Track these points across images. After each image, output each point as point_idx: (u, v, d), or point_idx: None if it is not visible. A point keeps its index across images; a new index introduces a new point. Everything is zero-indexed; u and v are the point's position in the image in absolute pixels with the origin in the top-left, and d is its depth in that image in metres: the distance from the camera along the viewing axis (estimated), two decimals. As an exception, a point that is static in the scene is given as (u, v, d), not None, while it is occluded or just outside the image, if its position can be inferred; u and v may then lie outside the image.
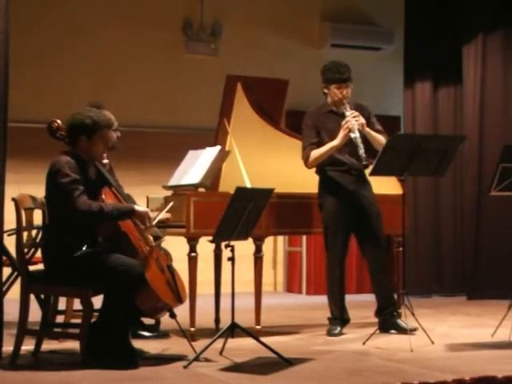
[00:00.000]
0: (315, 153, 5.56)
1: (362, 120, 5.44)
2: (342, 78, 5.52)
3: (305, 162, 5.61)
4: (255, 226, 4.76)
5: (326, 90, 5.63)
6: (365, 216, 5.59)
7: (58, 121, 4.66)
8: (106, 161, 5.06)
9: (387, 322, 5.62)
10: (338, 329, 5.54)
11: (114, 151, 5.26)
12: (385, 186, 5.80)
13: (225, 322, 5.23)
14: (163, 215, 4.77)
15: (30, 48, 8.03)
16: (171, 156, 6.44)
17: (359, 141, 5.35)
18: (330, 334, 5.53)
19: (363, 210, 5.58)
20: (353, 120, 5.42)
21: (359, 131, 5.39)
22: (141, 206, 4.65)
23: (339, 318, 5.61)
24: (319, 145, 5.58)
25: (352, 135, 5.39)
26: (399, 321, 5.58)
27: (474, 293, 7.96)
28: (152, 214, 4.59)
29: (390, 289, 5.69)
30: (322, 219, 5.62)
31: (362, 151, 5.32)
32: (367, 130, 5.47)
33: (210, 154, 5.56)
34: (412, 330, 5.31)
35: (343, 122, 5.45)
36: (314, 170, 5.77)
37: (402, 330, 5.40)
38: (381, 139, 5.48)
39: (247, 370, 4.32)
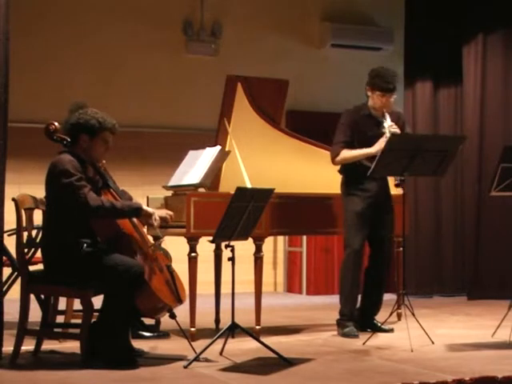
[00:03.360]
0: (347, 153, 5.51)
1: (398, 132, 5.41)
2: (388, 87, 5.47)
3: (332, 159, 5.58)
4: (255, 226, 4.76)
5: (369, 93, 5.57)
6: (381, 222, 5.61)
7: (56, 123, 4.65)
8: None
9: (367, 321, 5.67)
10: (354, 329, 5.48)
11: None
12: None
13: (225, 322, 5.22)
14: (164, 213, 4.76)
15: (29, 48, 8.03)
16: (171, 156, 6.44)
17: None
18: (346, 335, 5.45)
19: (381, 214, 5.60)
20: (391, 131, 5.38)
21: None
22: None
23: (352, 319, 5.56)
24: (350, 145, 5.53)
25: None
26: (376, 321, 5.67)
27: (474, 293, 7.96)
28: (157, 214, 4.58)
29: (382, 295, 5.79)
30: (344, 217, 5.58)
31: None
32: None
33: (210, 154, 5.57)
34: (389, 331, 5.54)
35: (385, 134, 5.38)
36: (313, 170, 5.78)
37: (379, 329, 5.48)
38: None
39: (247, 370, 4.32)
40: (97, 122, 4.50)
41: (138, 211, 4.48)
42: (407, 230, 5.48)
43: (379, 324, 5.60)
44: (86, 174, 4.51)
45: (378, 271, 5.71)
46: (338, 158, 5.56)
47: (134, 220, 4.62)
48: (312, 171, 5.89)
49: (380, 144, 5.38)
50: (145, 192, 5.95)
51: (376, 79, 5.51)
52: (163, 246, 4.95)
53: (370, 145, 5.45)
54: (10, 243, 4.85)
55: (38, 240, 5.20)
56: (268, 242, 6.04)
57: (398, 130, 5.42)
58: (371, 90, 5.55)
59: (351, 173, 5.61)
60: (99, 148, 4.55)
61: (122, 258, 4.35)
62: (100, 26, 8.42)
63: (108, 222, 4.48)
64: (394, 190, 5.75)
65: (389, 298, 7.15)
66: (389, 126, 5.42)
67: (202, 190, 5.51)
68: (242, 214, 4.48)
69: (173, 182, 5.66)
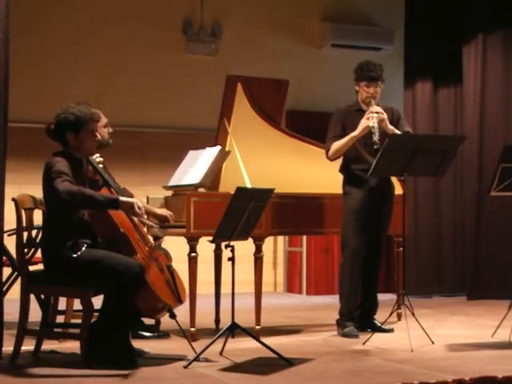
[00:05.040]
0: (336, 144, 5.55)
1: (384, 116, 5.43)
2: (371, 76, 5.52)
3: (326, 154, 5.62)
4: (255, 226, 4.76)
5: (356, 88, 5.62)
6: (378, 222, 5.61)
7: None
8: (100, 159, 4.99)
9: (367, 321, 5.67)
10: (354, 329, 5.48)
11: (108, 148, 5.24)
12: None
13: (225, 322, 5.22)
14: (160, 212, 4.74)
15: (29, 48, 8.03)
16: (171, 156, 6.43)
17: (376, 130, 5.33)
18: (346, 335, 5.44)
19: (379, 214, 5.59)
20: (374, 113, 5.41)
21: (379, 127, 5.38)
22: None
23: (352, 319, 5.55)
24: (341, 139, 5.54)
25: (370, 124, 5.37)
26: (376, 321, 5.67)
27: (474, 293, 7.96)
28: (141, 204, 4.48)
29: (376, 292, 5.80)
30: (343, 216, 5.58)
31: (375, 138, 5.29)
32: (390, 127, 5.44)
33: (210, 153, 5.57)
34: (389, 331, 5.56)
35: (366, 114, 5.45)
36: (313, 170, 5.77)
37: (379, 329, 5.49)
38: None
39: (247, 370, 4.32)
40: (75, 116, 4.48)
41: (115, 202, 4.34)
42: (407, 230, 5.48)
43: (379, 324, 5.60)
44: (82, 174, 4.51)
45: (372, 271, 5.72)
46: (330, 151, 5.59)
47: (134, 219, 4.62)
48: (312, 171, 5.89)
49: (362, 125, 5.43)
50: (145, 192, 5.94)
51: (359, 71, 5.58)
52: (163, 245, 4.96)
53: (363, 137, 5.46)
54: (10, 243, 4.85)
55: (38, 240, 5.20)
56: (268, 242, 6.05)
57: (384, 115, 5.42)
58: (357, 83, 5.61)
59: (351, 172, 5.61)
60: (88, 141, 4.52)
61: (123, 258, 4.35)
62: (100, 26, 8.42)
63: (108, 222, 4.48)
64: (399, 190, 5.75)
65: (389, 297, 7.17)
66: (373, 109, 5.43)
67: (202, 190, 5.51)
68: (242, 214, 4.48)
69: (173, 181, 5.66)
